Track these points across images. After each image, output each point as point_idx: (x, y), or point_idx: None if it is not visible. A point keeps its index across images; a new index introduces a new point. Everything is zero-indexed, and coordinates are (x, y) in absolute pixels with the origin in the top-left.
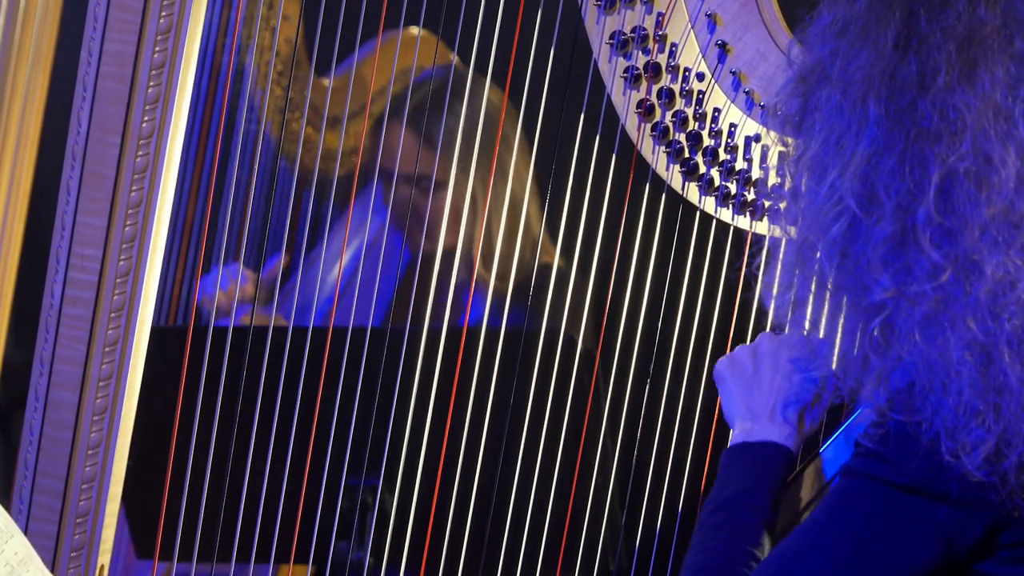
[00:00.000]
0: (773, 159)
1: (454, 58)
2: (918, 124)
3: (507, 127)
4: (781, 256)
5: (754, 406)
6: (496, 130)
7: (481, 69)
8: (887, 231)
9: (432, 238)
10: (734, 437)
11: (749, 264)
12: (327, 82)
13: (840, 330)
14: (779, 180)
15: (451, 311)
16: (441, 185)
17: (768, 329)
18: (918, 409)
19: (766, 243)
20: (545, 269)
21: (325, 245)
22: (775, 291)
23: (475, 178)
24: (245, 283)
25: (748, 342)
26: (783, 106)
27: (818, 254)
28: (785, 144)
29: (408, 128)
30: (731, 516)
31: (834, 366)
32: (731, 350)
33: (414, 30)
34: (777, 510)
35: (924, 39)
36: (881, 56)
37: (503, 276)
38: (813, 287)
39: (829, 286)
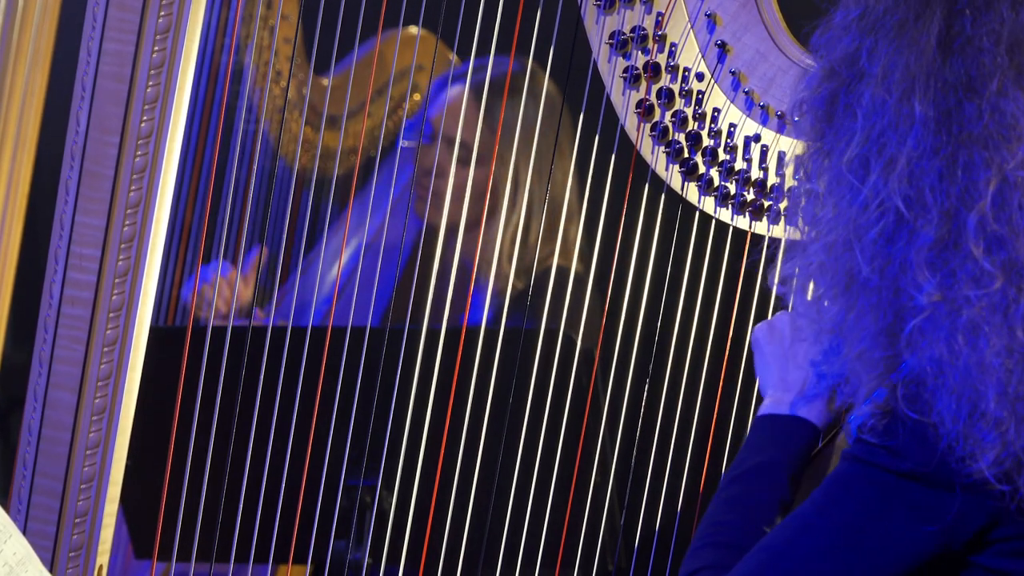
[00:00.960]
0: (773, 159)
1: (453, 57)
2: (966, 127)
3: (516, 126)
4: (781, 254)
5: (788, 378)
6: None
7: (481, 69)
8: (932, 235)
9: (438, 216)
10: (765, 406)
11: (762, 263)
12: (326, 81)
13: (856, 327)
14: (799, 177)
15: (451, 309)
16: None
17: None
18: (938, 411)
19: (783, 242)
20: (545, 269)
21: (324, 244)
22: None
23: (476, 175)
24: (227, 275)
25: (746, 339)
26: (810, 99)
27: (848, 254)
28: (809, 139)
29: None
30: (747, 491)
31: (848, 362)
32: (730, 348)
33: (413, 29)
34: (796, 487)
35: (969, 40)
36: (923, 55)
37: (504, 276)
38: (841, 286)
39: (855, 286)
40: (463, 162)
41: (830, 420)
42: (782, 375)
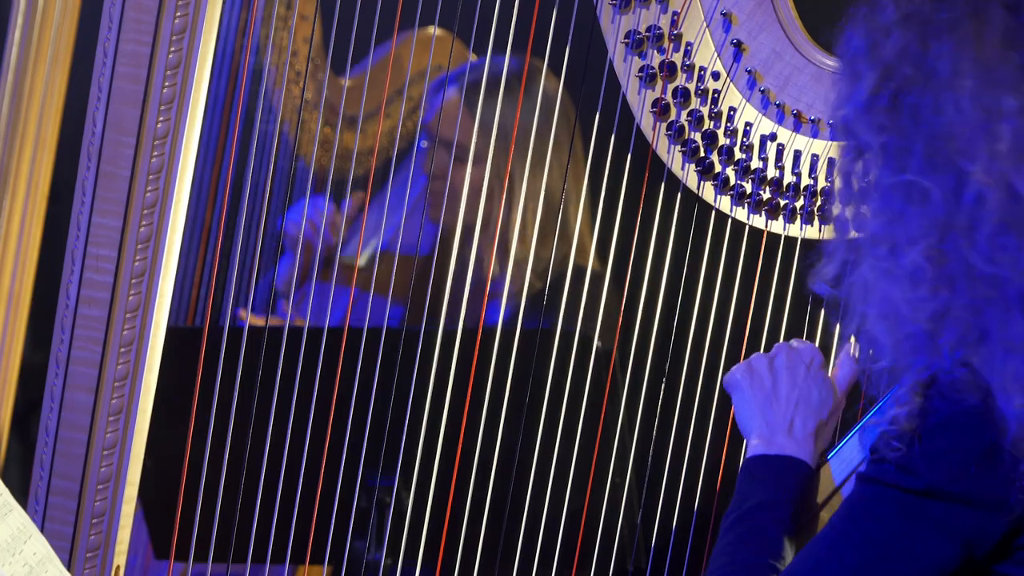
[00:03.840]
0: (789, 158)
1: (471, 56)
2: None
3: (526, 125)
4: (838, 251)
5: (772, 420)
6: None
7: (497, 69)
8: None
9: (453, 219)
10: (752, 448)
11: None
12: (343, 81)
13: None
14: (856, 178)
15: (468, 310)
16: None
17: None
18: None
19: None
20: (561, 268)
21: (341, 245)
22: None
23: (491, 174)
24: (329, 215)
25: (763, 339)
26: (867, 101)
27: (952, 247)
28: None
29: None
30: (754, 529)
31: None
32: (746, 348)
33: (431, 29)
34: (797, 523)
35: None
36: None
37: (520, 276)
38: (943, 279)
39: (961, 280)
40: (476, 163)
41: (818, 459)
42: (766, 417)
